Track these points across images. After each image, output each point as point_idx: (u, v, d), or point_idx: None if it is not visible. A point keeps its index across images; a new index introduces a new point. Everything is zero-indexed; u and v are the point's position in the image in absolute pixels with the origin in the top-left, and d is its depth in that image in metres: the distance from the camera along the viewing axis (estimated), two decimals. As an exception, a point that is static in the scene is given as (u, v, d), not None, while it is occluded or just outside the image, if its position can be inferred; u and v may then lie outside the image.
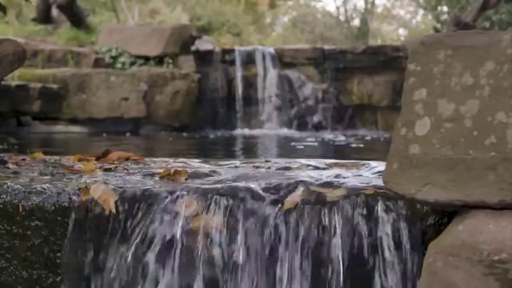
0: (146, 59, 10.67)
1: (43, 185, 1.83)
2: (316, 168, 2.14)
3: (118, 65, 10.60)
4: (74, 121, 9.86)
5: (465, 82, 1.48)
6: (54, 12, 12.51)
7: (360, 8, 23.99)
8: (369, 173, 2.00)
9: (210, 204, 1.70)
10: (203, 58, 10.95)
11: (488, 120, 1.45)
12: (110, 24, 12.44)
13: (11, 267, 1.79)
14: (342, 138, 8.91)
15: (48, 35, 12.11)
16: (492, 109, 1.45)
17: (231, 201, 1.70)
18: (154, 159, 2.48)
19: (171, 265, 1.67)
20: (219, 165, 2.28)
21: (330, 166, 2.18)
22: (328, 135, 9.46)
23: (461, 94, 1.48)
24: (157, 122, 10.11)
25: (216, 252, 1.67)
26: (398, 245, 1.62)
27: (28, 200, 1.79)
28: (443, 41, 1.52)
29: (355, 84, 10.99)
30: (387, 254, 1.62)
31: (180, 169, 2.01)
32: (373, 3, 23.46)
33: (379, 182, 1.70)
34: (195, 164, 2.30)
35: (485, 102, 1.46)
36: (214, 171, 2.06)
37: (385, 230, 1.63)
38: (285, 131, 10.60)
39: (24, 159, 2.39)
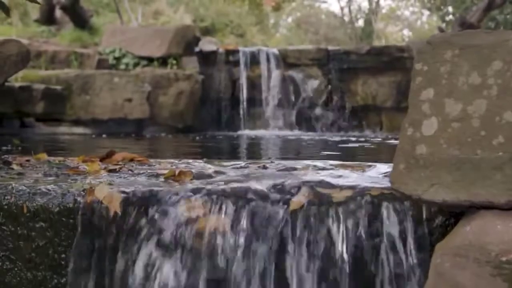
0: (150, 60, 10.65)
1: (48, 186, 1.82)
2: (322, 169, 2.13)
3: (122, 66, 10.59)
4: (77, 122, 9.84)
5: (472, 81, 1.47)
6: (58, 13, 12.50)
7: (364, 9, 23.96)
8: (375, 174, 1.99)
9: (215, 205, 1.70)
10: (207, 59, 10.93)
11: (496, 120, 1.44)
12: (114, 25, 12.41)
13: (16, 269, 1.78)
14: (347, 139, 8.90)
15: (51, 36, 12.10)
16: (500, 109, 1.44)
17: (236, 202, 1.69)
18: (159, 160, 2.47)
19: (176, 266, 1.66)
20: (224, 165, 2.27)
21: (335, 167, 2.17)
22: (332, 136, 9.44)
23: (468, 93, 1.47)
24: (161, 123, 10.09)
25: (222, 253, 1.66)
26: (404, 246, 1.61)
27: (33, 201, 1.78)
28: (450, 41, 1.51)
29: (360, 85, 10.97)
30: (393, 255, 1.61)
31: (184, 170, 2.00)
32: (377, 3, 23.41)
33: (385, 183, 1.69)
34: (200, 165, 2.30)
35: (492, 102, 1.45)
36: (219, 172, 2.05)
37: (391, 231, 1.62)
38: (289, 132, 10.58)
39: (28, 160, 2.38)
